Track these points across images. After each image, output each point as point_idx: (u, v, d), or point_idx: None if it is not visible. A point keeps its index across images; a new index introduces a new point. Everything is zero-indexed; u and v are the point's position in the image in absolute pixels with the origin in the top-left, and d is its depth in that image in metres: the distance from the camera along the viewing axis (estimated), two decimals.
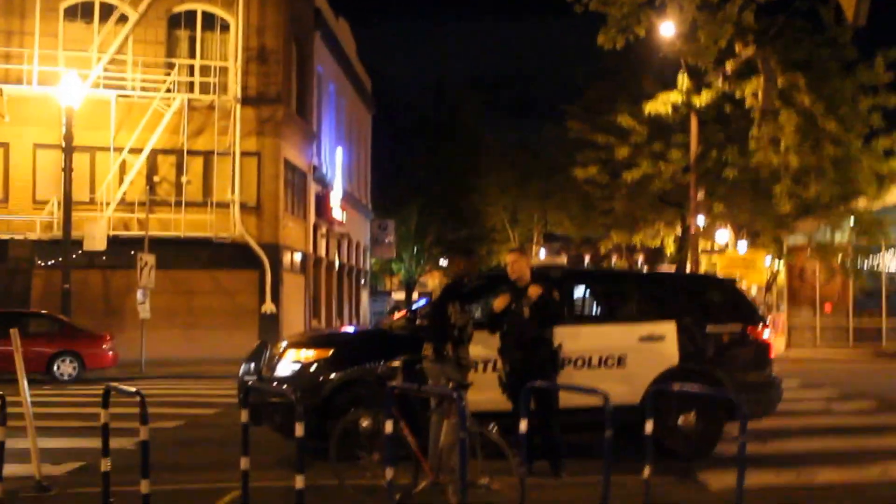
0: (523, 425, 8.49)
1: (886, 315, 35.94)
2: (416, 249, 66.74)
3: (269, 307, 31.99)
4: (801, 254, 35.80)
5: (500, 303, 10.34)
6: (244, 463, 8.38)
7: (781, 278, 37.43)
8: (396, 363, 9.10)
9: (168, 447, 12.49)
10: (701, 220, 35.22)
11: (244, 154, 32.06)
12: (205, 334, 31.36)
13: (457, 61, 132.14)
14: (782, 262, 35.49)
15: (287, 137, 33.94)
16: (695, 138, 32.09)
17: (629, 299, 12.48)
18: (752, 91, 30.41)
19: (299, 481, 7.55)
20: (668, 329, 11.64)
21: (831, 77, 30.83)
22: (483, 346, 10.70)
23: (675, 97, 31.75)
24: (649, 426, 8.69)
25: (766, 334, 12.33)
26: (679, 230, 39.51)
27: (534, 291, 10.12)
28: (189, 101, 31.93)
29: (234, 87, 32.07)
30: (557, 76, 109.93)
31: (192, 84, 32.65)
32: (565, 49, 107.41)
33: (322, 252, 40.50)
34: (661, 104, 31.94)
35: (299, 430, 7.62)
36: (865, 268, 35.30)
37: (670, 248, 41.35)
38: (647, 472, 8.75)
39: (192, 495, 9.65)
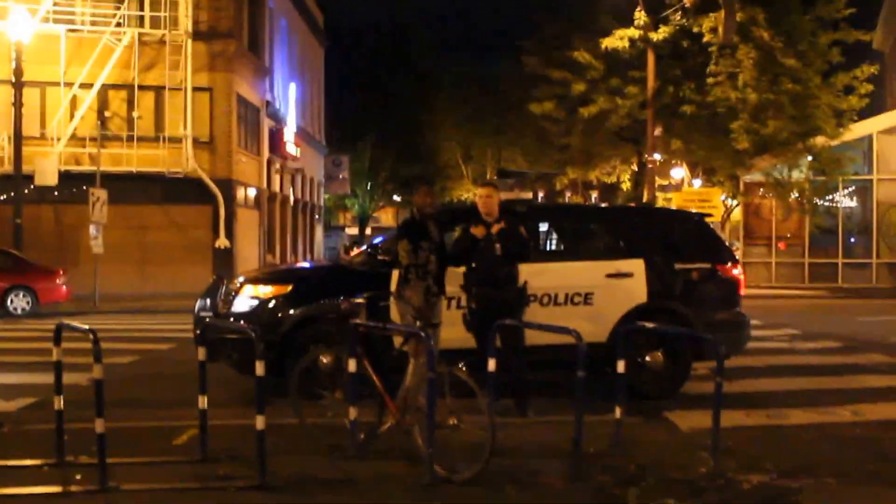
0: (491, 364, 8.19)
1: (842, 253, 36.09)
2: (369, 185, 66.10)
3: (222, 242, 31.53)
4: (758, 191, 35.67)
5: (479, 231, 9.95)
6: (202, 401, 8.03)
7: (736, 215, 37.33)
8: (360, 300, 8.70)
9: (123, 383, 12.12)
10: (657, 157, 35.02)
11: (196, 89, 31.43)
12: (158, 269, 30.97)
13: None
14: (737, 199, 35.31)
15: (239, 72, 33.26)
16: (651, 74, 31.80)
17: (597, 235, 12.16)
18: (711, 26, 30.13)
19: (259, 422, 7.24)
20: (637, 266, 11.32)
21: (790, 11, 30.51)
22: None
23: (632, 33, 31.40)
24: (621, 365, 8.45)
25: (736, 272, 12.03)
26: (635, 166, 39.28)
27: (496, 228, 9.78)
28: (139, 35, 31.23)
29: (185, 21, 31.37)
30: (513, 12, 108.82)
31: (142, 18, 31.75)
32: None
33: (276, 187, 39.95)
34: (619, 39, 31.66)
35: (259, 368, 7.28)
36: (823, 205, 35.23)
37: (626, 185, 41.12)
38: (618, 412, 8.52)
39: (148, 433, 9.29)
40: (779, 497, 7.18)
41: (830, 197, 35.38)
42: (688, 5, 30.36)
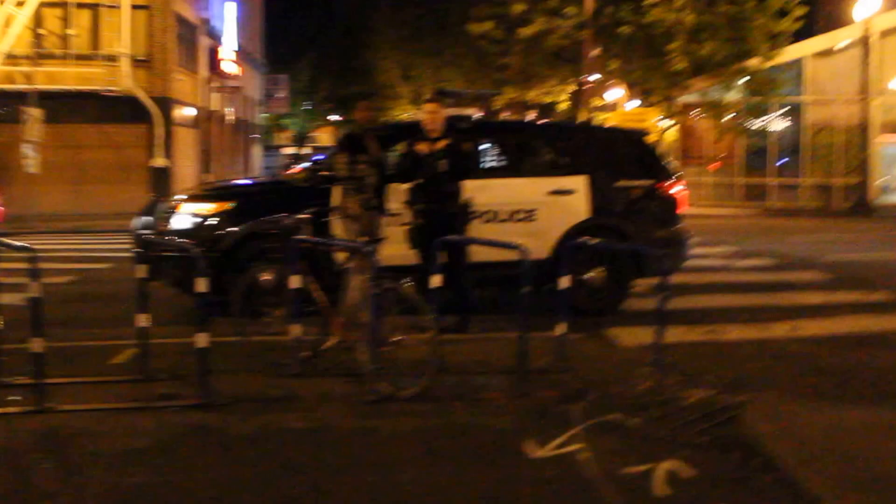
0: (436, 279, 8.02)
1: (773, 173, 36.38)
2: (308, 105, 65.29)
3: (159, 161, 30.87)
4: (693, 112, 35.73)
5: (423, 147, 9.74)
6: (141, 319, 7.77)
7: (671, 136, 37.42)
8: (303, 216, 8.47)
9: (60, 303, 11.77)
10: (595, 77, 34.87)
11: (134, 7, 30.56)
12: (94, 189, 30.37)
13: None
14: (673, 120, 35.31)
15: None
16: None
17: (539, 152, 11.98)
18: None
19: (201, 339, 7.03)
20: (579, 183, 11.22)
21: None
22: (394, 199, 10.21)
23: None
24: (565, 281, 8.33)
25: (676, 190, 11.95)
26: (573, 87, 39.10)
27: (440, 144, 9.59)
28: None
29: None
30: None
31: None
32: None
33: (214, 106, 39.17)
34: None
35: (201, 285, 7.04)
36: (755, 127, 35.40)
37: (564, 105, 40.96)
38: (561, 328, 8.42)
39: (87, 352, 9.03)
40: (721, 411, 7.14)
41: (762, 119, 35.57)
42: None
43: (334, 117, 71.67)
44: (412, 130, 10.18)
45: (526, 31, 33.90)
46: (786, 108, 36.16)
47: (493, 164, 12.27)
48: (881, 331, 10.58)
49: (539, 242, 10.61)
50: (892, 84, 35.27)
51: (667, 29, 30.85)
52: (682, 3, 30.31)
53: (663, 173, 11.91)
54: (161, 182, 30.26)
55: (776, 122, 36.39)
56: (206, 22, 36.98)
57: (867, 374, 8.56)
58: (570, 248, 8.59)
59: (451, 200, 9.67)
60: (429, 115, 9.86)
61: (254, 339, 8.56)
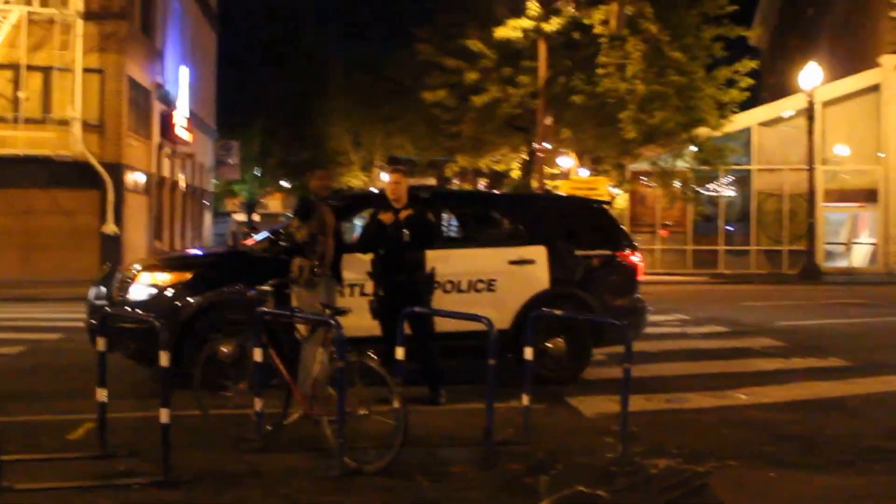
0: (400, 352, 7.95)
1: (723, 240, 36.78)
2: (259, 171, 65.05)
3: (110, 228, 30.42)
4: (643, 180, 36.08)
5: (387, 217, 9.69)
6: (101, 394, 7.59)
7: (621, 203, 37.76)
8: (267, 287, 8.36)
9: (11, 375, 11.58)
10: (546, 145, 35.15)
11: (86, 70, 30.04)
12: (43, 256, 29.81)
13: None
14: (623, 187, 35.66)
15: (131, 54, 32.03)
16: (543, 64, 31.94)
17: (499, 222, 11.99)
18: (602, 19, 30.43)
19: (164, 415, 6.88)
20: (539, 253, 11.20)
21: (677, 6, 30.99)
22: (348, 270, 10.13)
23: (525, 23, 31.47)
24: (528, 352, 8.33)
25: (635, 259, 12.00)
26: (524, 155, 39.41)
27: (404, 214, 9.56)
28: (28, 13, 29.62)
29: (76, 0, 29.76)
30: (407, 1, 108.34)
31: None
32: None
33: (166, 172, 38.84)
34: (512, 29, 31.71)
35: (164, 359, 6.92)
36: (704, 194, 35.85)
37: (516, 173, 41.24)
38: (525, 399, 8.38)
39: (42, 427, 8.78)
40: (687, 481, 7.11)
41: (712, 186, 36.06)
42: None
43: (285, 184, 71.44)
44: (370, 201, 10.17)
45: (479, 100, 34.14)
46: (734, 176, 36.65)
47: (454, 233, 12.27)
48: (838, 396, 10.72)
49: (499, 313, 10.53)
50: (835, 152, 36.03)
51: (618, 98, 31.22)
52: (634, 74, 30.73)
53: (622, 242, 11.96)
54: (112, 249, 29.82)
55: (725, 190, 36.86)
56: (160, 87, 36.82)
57: (828, 440, 8.60)
58: (533, 319, 8.54)
59: (415, 270, 9.62)
60: (392, 185, 9.84)
61: (215, 413, 8.36)
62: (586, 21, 31.25)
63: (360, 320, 9.53)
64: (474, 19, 35.29)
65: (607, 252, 11.73)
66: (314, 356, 8.08)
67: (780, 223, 36.31)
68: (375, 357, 7.43)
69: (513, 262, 11.12)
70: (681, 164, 34.03)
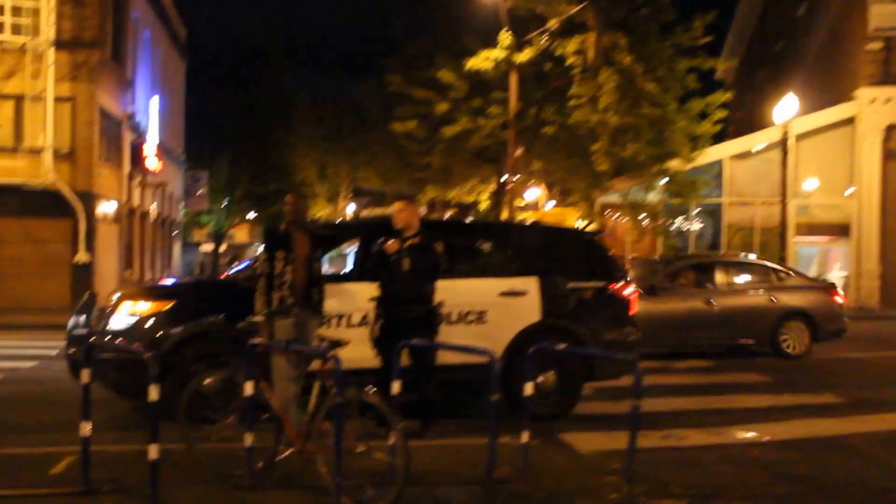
0: (396, 386, 7.60)
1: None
2: (226, 202, 64.41)
3: (82, 257, 29.89)
4: (613, 212, 35.85)
5: (392, 245, 9.35)
6: (85, 428, 7.18)
7: None
8: (258, 318, 7.99)
9: None
10: (517, 177, 34.92)
11: (58, 99, 29.52)
12: (14, 284, 29.18)
13: (273, 14, 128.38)
14: (593, 220, 35.37)
15: (102, 83, 31.51)
16: (514, 95, 31.69)
17: (490, 252, 11.65)
18: (575, 49, 30.23)
19: (153, 451, 6.49)
20: (530, 284, 10.88)
21: (650, 38, 30.77)
22: (340, 300, 9.79)
23: (497, 53, 31.24)
24: (529, 388, 8.02)
25: (628, 291, 11.70)
26: (494, 186, 39.14)
27: (409, 243, 9.23)
28: None
29: (48, 29, 29.40)
30: (377, 31, 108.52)
31: (1, 24, 29.71)
32: (384, 3, 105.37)
33: (136, 202, 38.33)
34: (483, 60, 31.42)
35: (153, 392, 6.52)
36: (674, 227, 35.67)
37: (485, 204, 40.93)
38: (525, 436, 8.06)
39: (22, 461, 8.35)
40: None
41: (682, 218, 35.86)
42: (553, 28, 30.33)
43: (252, 215, 70.89)
44: (361, 229, 9.80)
45: (449, 131, 33.82)
46: (705, 209, 36.53)
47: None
48: (838, 435, 10.41)
49: (490, 345, 10.12)
50: (806, 186, 36.02)
51: (590, 130, 30.95)
52: (606, 105, 30.47)
53: (614, 274, 11.66)
54: (83, 278, 29.28)
55: (696, 223, 36.74)
56: (131, 116, 36.37)
57: (838, 482, 8.31)
58: (533, 354, 8.20)
59: (416, 303, 9.27)
60: (398, 213, 9.50)
61: (201, 447, 7.96)
62: (559, 52, 31.01)
63: (355, 351, 9.21)
64: (444, 50, 34.99)
65: (600, 284, 11.42)
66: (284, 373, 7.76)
67: None
68: (374, 391, 7.08)
69: (504, 294, 10.80)
70: (652, 197, 33.78)
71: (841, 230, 36.17)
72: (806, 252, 37.00)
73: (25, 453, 8.67)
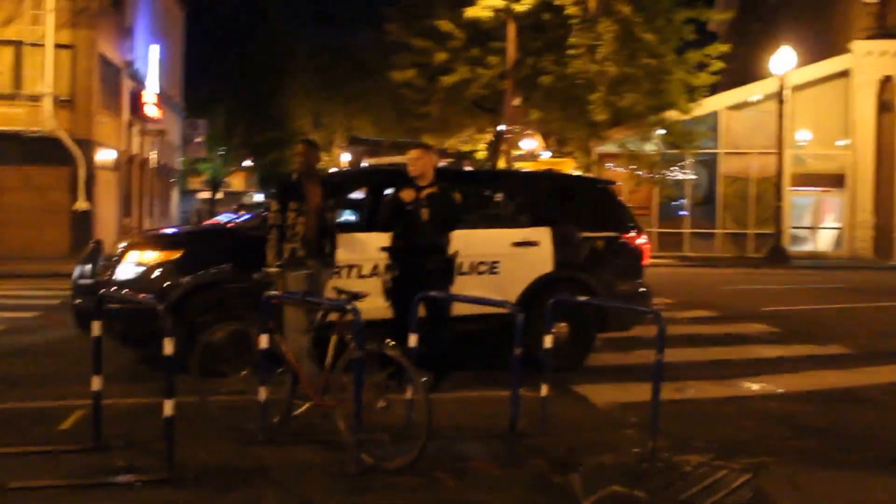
0: (413, 339, 7.25)
1: (689, 223, 36.38)
2: (223, 150, 63.76)
3: (82, 204, 29.45)
4: (610, 161, 35.51)
5: (408, 194, 8.96)
6: (96, 382, 6.83)
7: None
8: (274, 269, 7.62)
9: None
10: (514, 127, 34.56)
11: (57, 46, 28.96)
12: (13, 232, 28.82)
13: None
14: (590, 170, 35.02)
15: (102, 31, 31.03)
16: (512, 44, 31.32)
17: (502, 202, 11.27)
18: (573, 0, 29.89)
19: (168, 407, 6.14)
20: (543, 234, 10.51)
21: None
22: (350, 250, 9.42)
23: (495, 2, 30.82)
24: (548, 340, 7.70)
25: (641, 242, 11.35)
26: (491, 136, 38.79)
27: (426, 192, 8.84)
28: None
29: None
30: None
31: None
32: None
33: (135, 150, 37.84)
34: (482, 9, 30.99)
35: (168, 346, 6.14)
36: (672, 177, 35.37)
37: (482, 154, 40.59)
38: (545, 389, 7.75)
39: (29, 416, 7.96)
40: (727, 482, 6.50)
41: (678, 168, 35.55)
42: None
43: (248, 163, 70.30)
44: (401, 175, 9.38)
45: (448, 80, 33.39)
46: (701, 159, 36.22)
47: None
48: (851, 387, 10.19)
49: (502, 296, 9.83)
50: (800, 137, 35.75)
51: (588, 80, 30.61)
52: (605, 56, 30.12)
53: (627, 224, 11.30)
54: (82, 226, 28.95)
55: (690, 173, 36.44)
56: (130, 64, 35.77)
57: (860, 435, 8.08)
58: (555, 304, 7.85)
59: (433, 253, 8.89)
60: (412, 161, 9.08)
61: (212, 400, 7.61)
62: (558, 2, 30.58)
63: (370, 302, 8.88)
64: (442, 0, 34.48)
65: (612, 234, 11.06)
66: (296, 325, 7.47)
67: (746, 207, 35.92)
68: (394, 345, 6.74)
69: (517, 244, 10.43)
70: (649, 148, 33.52)
71: (836, 181, 36.12)
72: (800, 202, 36.80)
73: (33, 407, 8.29)
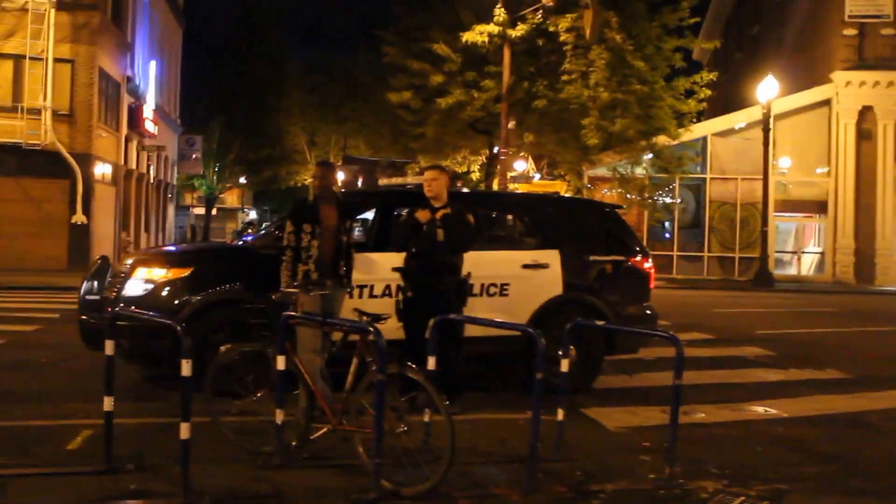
0: (431, 362, 6.95)
1: (677, 246, 36.25)
2: (218, 166, 63.35)
3: (79, 218, 29.03)
4: (601, 185, 35.38)
5: (423, 215, 8.71)
6: (108, 403, 6.51)
7: None
8: (293, 290, 7.32)
9: None
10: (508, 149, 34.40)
11: (58, 60, 28.62)
12: (11, 244, 28.46)
13: None
14: (582, 192, 34.85)
15: (102, 45, 30.67)
16: (507, 69, 31.13)
17: (513, 224, 11.02)
18: (567, 26, 29.89)
19: (184, 430, 5.84)
20: (553, 257, 10.24)
21: (639, 17, 30.53)
22: (365, 271, 9.15)
23: (491, 28, 30.72)
24: (565, 364, 7.38)
25: (648, 266, 11.11)
26: (484, 157, 38.67)
27: (441, 213, 8.58)
28: (0, 1, 28.27)
29: None
30: (372, 3, 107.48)
31: None
32: None
33: (133, 164, 37.44)
34: (478, 34, 30.90)
35: (186, 368, 5.82)
36: (660, 201, 35.27)
37: (476, 175, 40.43)
38: (560, 414, 7.45)
39: (35, 434, 7.62)
40: None
41: (667, 191, 35.47)
42: (549, 4, 29.75)
43: (243, 180, 69.89)
44: (417, 197, 9.12)
45: (444, 102, 33.20)
46: (690, 184, 36.18)
47: None
48: (855, 412, 10.00)
49: (512, 318, 9.59)
50: (783, 164, 35.80)
51: (580, 105, 30.57)
52: (597, 81, 30.11)
53: (634, 248, 11.06)
54: (80, 239, 28.65)
55: (680, 197, 36.39)
56: (129, 79, 35.42)
57: (870, 462, 7.90)
58: (573, 328, 7.58)
59: (446, 274, 8.62)
60: (427, 182, 8.82)
61: (225, 421, 7.29)
62: (552, 28, 30.54)
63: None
64: (440, 23, 34.31)
65: (620, 258, 10.81)
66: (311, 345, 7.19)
67: (733, 231, 35.86)
68: (416, 368, 6.45)
69: (526, 266, 10.16)
70: (639, 172, 33.48)
71: (818, 207, 36.30)
72: (784, 227, 36.87)
73: (38, 426, 7.93)
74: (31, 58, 28.32)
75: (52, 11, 28.34)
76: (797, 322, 19.70)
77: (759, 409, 9.94)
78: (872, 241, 35.30)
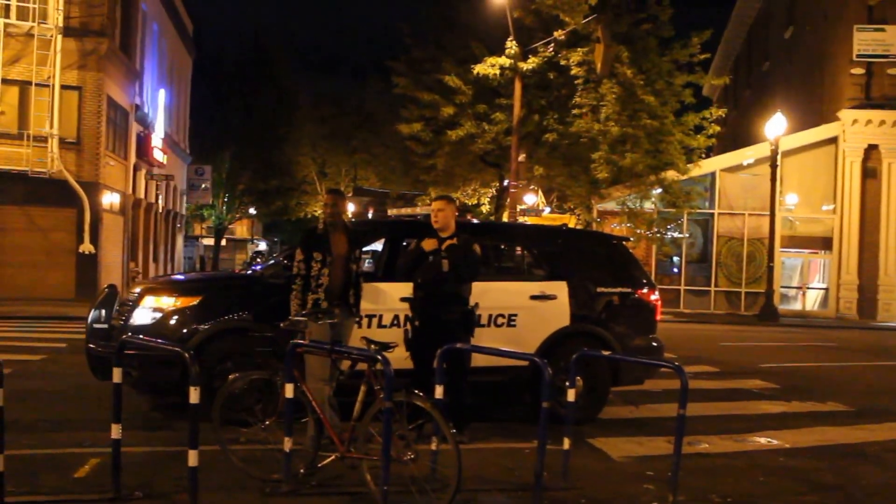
0: (439, 391, 7.00)
1: (685, 280, 36.27)
2: (227, 197, 63.54)
3: (87, 247, 28.94)
4: (611, 219, 35.46)
5: (429, 244, 8.80)
6: (116, 430, 6.56)
7: None
8: (301, 318, 7.38)
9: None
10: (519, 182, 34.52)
11: (65, 87, 28.49)
12: (17, 273, 28.38)
13: (279, 14, 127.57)
14: (592, 225, 34.92)
15: (110, 73, 30.65)
16: (518, 102, 31.24)
17: (521, 255, 11.10)
18: (578, 60, 30.02)
19: (192, 457, 5.90)
20: (560, 288, 10.33)
21: (650, 52, 30.71)
22: (374, 301, 9.22)
23: (502, 61, 30.87)
24: (571, 394, 7.46)
25: (654, 298, 11.17)
26: (495, 190, 38.78)
27: (447, 244, 8.65)
28: (5, 26, 27.99)
29: (56, 15, 28.19)
30: (382, 35, 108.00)
31: (8, 7, 28.39)
32: (392, 8, 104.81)
33: (141, 193, 37.48)
34: (489, 67, 31.04)
35: (194, 395, 5.90)
36: (669, 235, 35.34)
37: (486, 207, 40.53)
38: (566, 443, 7.52)
39: (42, 463, 7.66)
40: None
41: (674, 225, 35.57)
42: (561, 38, 29.95)
43: (252, 210, 70.07)
44: (424, 227, 9.21)
45: (454, 134, 33.34)
46: (697, 219, 36.27)
47: None
48: (855, 443, 10.14)
49: (519, 349, 9.65)
50: (790, 200, 35.91)
51: (591, 138, 30.72)
52: (608, 115, 30.29)
53: (641, 280, 11.13)
54: (88, 268, 28.62)
55: (688, 232, 36.50)
56: (138, 108, 35.54)
57: (869, 492, 8.01)
58: (580, 359, 7.65)
59: (451, 304, 8.69)
60: (437, 212, 8.92)
61: (233, 449, 7.34)
62: (563, 62, 30.72)
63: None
64: (451, 55, 34.50)
65: (627, 290, 10.88)
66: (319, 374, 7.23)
67: (740, 266, 35.93)
68: (424, 396, 6.50)
69: (534, 297, 10.24)
70: (648, 206, 33.61)
71: (823, 243, 36.33)
72: (789, 263, 36.92)
73: (46, 454, 7.97)
74: (37, 84, 28.04)
75: (59, 37, 28.15)
76: (800, 356, 19.88)
77: (762, 440, 10.04)
78: (875, 278, 35.45)
